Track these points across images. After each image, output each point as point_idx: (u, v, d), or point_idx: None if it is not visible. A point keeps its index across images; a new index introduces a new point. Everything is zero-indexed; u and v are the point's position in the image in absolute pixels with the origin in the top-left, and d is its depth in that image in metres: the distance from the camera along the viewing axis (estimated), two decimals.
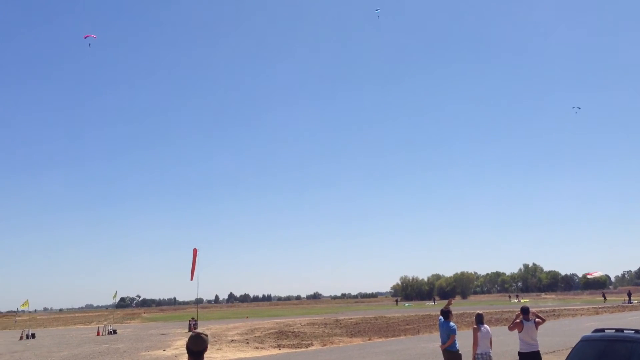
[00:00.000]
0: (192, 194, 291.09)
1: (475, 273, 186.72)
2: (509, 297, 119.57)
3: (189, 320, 46.33)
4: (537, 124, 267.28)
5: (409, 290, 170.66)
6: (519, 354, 12.00)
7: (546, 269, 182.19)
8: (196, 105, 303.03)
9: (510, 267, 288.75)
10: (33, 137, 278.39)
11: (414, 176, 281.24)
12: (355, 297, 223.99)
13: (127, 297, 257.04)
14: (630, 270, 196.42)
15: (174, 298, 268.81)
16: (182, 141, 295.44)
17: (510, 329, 12.24)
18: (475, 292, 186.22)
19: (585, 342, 9.55)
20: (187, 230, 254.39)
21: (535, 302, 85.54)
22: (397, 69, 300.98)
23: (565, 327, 32.30)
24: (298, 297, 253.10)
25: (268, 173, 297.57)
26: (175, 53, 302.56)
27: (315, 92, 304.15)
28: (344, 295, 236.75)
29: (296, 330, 38.81)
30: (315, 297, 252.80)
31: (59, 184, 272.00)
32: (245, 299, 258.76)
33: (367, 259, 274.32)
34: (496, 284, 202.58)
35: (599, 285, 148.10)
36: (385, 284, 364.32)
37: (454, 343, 12.33)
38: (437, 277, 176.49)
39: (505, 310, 57.29)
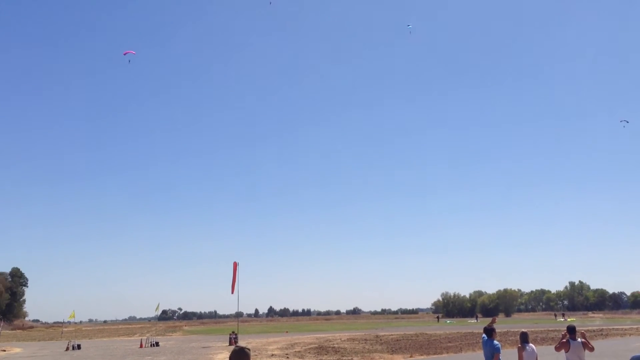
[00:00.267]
0: (234, 207, 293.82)
1: (519, 290, 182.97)
2: (555, 315, 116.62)
3: (230, 334, 46.62)
4: (587, 139, 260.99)
5: (450, 307, 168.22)
6: None
7: (593, 286, 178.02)
8: (240, 117, 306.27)
9: (555, 284, 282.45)
10: (83, 146, 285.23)
11: (456, 192, 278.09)
12: (396, 312, 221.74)
13: (169, 309, 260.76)
14: None
15: (215, 311, 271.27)
16: (223, 153, 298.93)
17: (557, 349, 11.93)
18: (519, 310, 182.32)
19: None
20: (228, 244, 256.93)
21: (582, 321, 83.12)
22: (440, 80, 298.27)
23: (614, 347, 31.28)
24: (338, 312, 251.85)
25: (310, 187, 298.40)
26: (217, 65, 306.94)
27: (355, 103, 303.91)
28: (384, 311, 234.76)
29: (336, 345, 38.61)
30: (355, 312, 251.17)
31: (106, 196, 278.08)
32: (284, 313, 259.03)
33: (407, 274, 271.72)
34: (541, 301, 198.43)
35: None
36: (425, 300, 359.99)
37: None
38: (480, 293, 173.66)
39: (550, 329, 55.81)
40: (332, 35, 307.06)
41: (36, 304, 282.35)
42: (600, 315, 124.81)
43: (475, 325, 79.75)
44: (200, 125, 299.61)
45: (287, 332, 73.15)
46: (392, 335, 51.72)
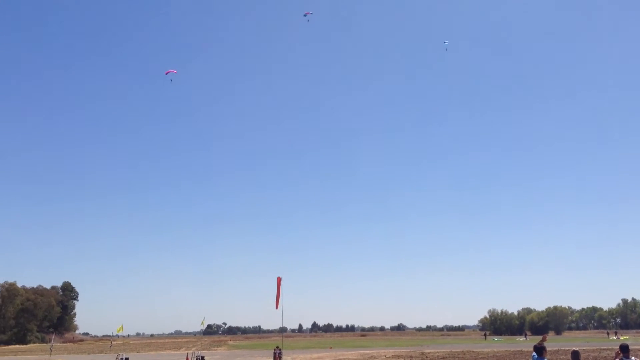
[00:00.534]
0: (278, 222, 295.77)
1: (570, 308, 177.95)
2: (607, 333, 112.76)
3: (274, 349, 46.61)
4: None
5: (497, 324, 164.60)
6: None
7: None
8: (281, 135, 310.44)
9: (607, 301, 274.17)
10: (134, 161, 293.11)
11: (505, 210, 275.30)
12: (441, 329, 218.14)
13: (214, 324, 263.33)
14: None
15: (259, 326, 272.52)
16: (266, 168, 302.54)
17: None
18: (570, 328, 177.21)
19: None
20: (272, 259, 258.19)
21: (636, 340, 79.83)
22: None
23: None
24: (382, 328, 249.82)
25: (353, 203, 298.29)
26: (263, 80, 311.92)
27: (398, 120, 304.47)
28: (429, 328, 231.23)
29: None
30: (400, 328, 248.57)
31: (153, 211, 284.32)
32: (328, 328, 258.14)
33: (454, 290, 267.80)
34: (592, 319, 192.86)
35: None
36: (472, 316, 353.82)
37: None
38: (528, 310, 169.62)
39: (603, 347, 53.90)
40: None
41: (86, 317, 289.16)
42: None
43: (525, 343, 77.72)
44: (244, 143, 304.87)
45: (331, 347, 72.82)
46: (438, 352, 50.85)
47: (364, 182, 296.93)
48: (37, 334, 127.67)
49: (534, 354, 12.16)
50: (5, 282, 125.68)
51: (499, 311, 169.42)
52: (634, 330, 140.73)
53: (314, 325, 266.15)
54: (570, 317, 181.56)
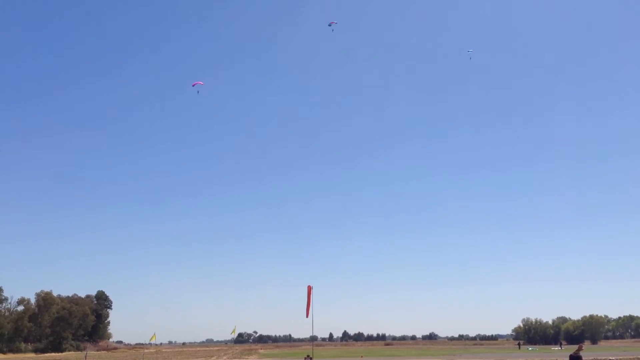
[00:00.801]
0: (309, 231, 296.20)
1: (606, 316, 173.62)
2: None
3: (305, 358, 46.69)
4: None
5: (532, 333, 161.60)
6: None
7: None
8: (312, 141, 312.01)
9: None
10: (163, 172, 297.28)
11: (540, 218, 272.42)
12: (474, 338, 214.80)
13: (245, 332, 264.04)
14: None
15: (289, 335, 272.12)
16: (297, 178, 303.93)
17: None
18: (606, 337, 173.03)
19: None
20: (303, 268, 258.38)
21: None
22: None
23: None
24: (413, 337, 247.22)
25: (383, 213, 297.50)
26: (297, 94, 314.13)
27: (435, 128, 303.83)
28: (461, 337, 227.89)
29: None
30: (431, 337, 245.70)
31: (186, 221, 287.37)
32: (359, 337, 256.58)
33: (486, 299, 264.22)
34: (630, 328, 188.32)
35: None
36: (505, 325, 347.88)
37: None
38: (563, 319, 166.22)
39: None
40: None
41: (119, 325, 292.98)
42: None
43: (560, 352, 76.23)
44: (275, 153, 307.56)
45: (362, 356, 72.48)
46: None
47: (395, 192, 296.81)
48: (72, 342, 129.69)
49: None
50: (42, 291, 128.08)
51: (533, 320, 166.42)
52: None
53: (345, 334, 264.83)
54: (606, 326, 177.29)
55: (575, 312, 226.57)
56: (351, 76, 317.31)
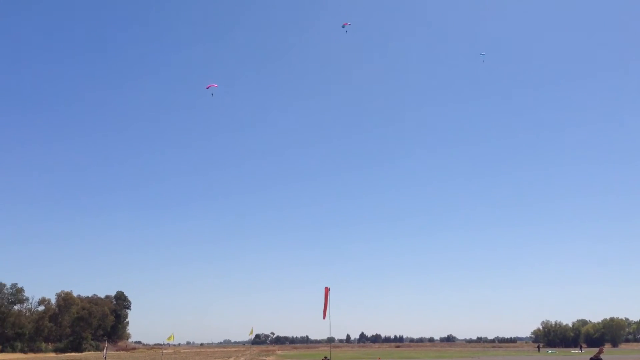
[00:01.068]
0: (326, 233, 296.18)
1: (627, 319, 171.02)
2: None
3: (322, 359, 46.65)
4: None
5: (551, 336, 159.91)
6: None
7: None
8: (330, 146, 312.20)
9: None
10: (185, 173, 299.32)
11: (559, 220, 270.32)
12: (492, 341, 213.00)
13: (262, 334, 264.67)
14: None
15: (307, 336, 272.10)
16: (317, 180, 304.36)
17: None
18: (627, 340, 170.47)
19: None
20: (320, 269, 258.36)
21: None
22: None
23: None
24: (431, 339, 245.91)
25: (402, 216, 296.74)
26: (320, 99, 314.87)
27: (459, 133, 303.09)
28: (479, 339, 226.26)
29: None
30: (449, 339, 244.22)
31: (203, 221, 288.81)
32: (376, 339, 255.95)
33: (505, 301, 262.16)
34: None
35: None
36: (524, 328, 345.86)
37: None
38: (583, 322, 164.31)
39: None
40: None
41: (138, 326, 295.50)
42: None
43: (580, 355, 75.42)
44: (296, 156, 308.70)
45: (379, 358, 72.17)
46: None
47: (414, 194, 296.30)
48: (92, 342, 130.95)
49: None
50: (62, 292, 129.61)
51: (553, 322, 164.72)
52: None
53: (362, 335, 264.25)
54: (627, 329, 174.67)
55: (596, 315, 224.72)
56: (367, 78, 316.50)
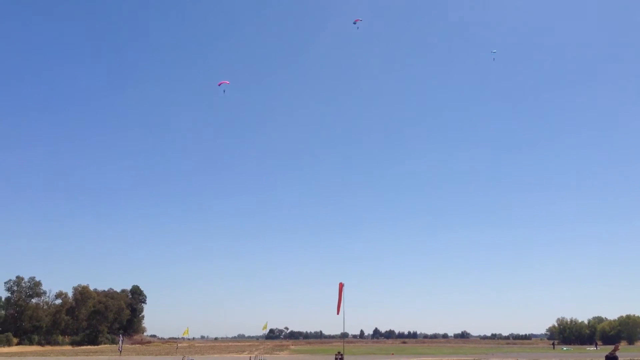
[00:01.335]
0: (340, 229, 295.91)
1: None
2: None
3: (336, 355, 46.73)
4: None
5: (566, 333, 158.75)
6: None
7: None
8: (344, 143, 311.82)
9: None
10: (196, 171, 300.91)
11: (575, 217, 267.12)
12: (507, 338, 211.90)
13: (276, 328, 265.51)
14: None
15: (320, 331, 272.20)
16: (332, 177, 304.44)
17: None
18: None
19: None
20: (334, 265, 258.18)
21: None
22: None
23: None
24: (445, 336, 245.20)
25: (416, 212, 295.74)
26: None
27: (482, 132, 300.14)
28: (494, 336, 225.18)
29: None
30: (463, 336, 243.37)
31: (218, 218, 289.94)
32: (390, 335, 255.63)
33: (520, 297, 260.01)
34: None
35: None
36: (539, 325, 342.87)
37: None
38: (599, 319, 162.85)
39: None
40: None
41: (153, 320, 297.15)
42: None
43: (595, 353, 74.90)
44: (312, 153, 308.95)
45: (393, 354, 72.32)
46: None
47: (426, 192, 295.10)
48: (108, 335, 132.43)
49: None
50: (79, 286, 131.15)
51: (568, 320, 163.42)
52: None
53: (376, 331, 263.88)
54: None
55: (612, 312, 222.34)
56: (396, 75, 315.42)
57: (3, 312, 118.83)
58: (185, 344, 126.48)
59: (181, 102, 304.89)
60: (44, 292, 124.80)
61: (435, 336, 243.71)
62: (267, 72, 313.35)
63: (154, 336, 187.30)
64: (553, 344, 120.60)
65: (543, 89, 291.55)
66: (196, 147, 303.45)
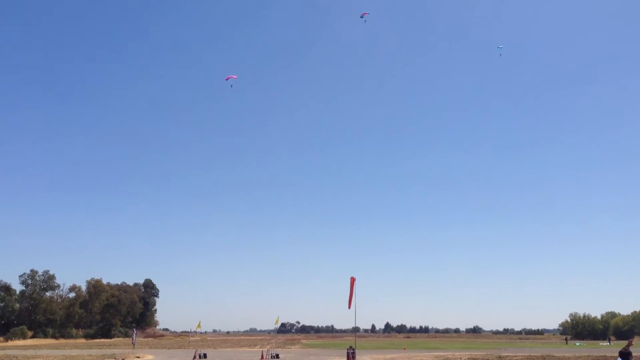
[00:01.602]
0: (352, 223, 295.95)
1: None
2: None
3: (347, 349, 46.68)
4: None
5: (579, 329, 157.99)
6: None
7: None
8: (356, 138, 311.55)
9: None
10: (210, 166, 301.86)
11: (589, 212, 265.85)
12: (519, 333, 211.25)
13: (288, 323, 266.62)
14: None
15: (332, 326, 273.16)
16: (343, 174, 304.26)
17: None
18: None
19: None
20: (346, 259, 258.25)
21: None
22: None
23: None
24: (457, 330, 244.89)
25: (427, 207, 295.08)
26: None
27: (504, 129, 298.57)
28: (506, 331, 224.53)
29: None
30: (475, 331, 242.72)
31: (229, 213, 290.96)
32: (401, 329, 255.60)
33: (533, 292, 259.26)
34: None
35: None
36: (552, 320, 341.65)
37: None
38: (613, 315, 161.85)
39: None
40: None
41: (166, 313, 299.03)
42: None
43: (608, 348, 74.43)
44: (323, 148, 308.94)
45: (404, 348, 72.24)
46: (516, 356, 49.40)
47: (440, 188, 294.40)
48: (121, 328, 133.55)
49: (619, 359, 11.63)
50: (92, 279, 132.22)
51: (581, 315, 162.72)
52: None
53: (387, 325, 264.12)
54: None
55: (625, 307, 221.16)
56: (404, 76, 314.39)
57: (18, 305, 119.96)
58: (197, 338, 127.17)
59: (192, 100, 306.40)
60: (58, 286, 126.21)
61: (447, 331, 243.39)
62: (267, 72, 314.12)
63: (167, 330, 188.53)
64: (566, 339, 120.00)
65: (544, 89, 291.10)
66: (210, 139, 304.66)
